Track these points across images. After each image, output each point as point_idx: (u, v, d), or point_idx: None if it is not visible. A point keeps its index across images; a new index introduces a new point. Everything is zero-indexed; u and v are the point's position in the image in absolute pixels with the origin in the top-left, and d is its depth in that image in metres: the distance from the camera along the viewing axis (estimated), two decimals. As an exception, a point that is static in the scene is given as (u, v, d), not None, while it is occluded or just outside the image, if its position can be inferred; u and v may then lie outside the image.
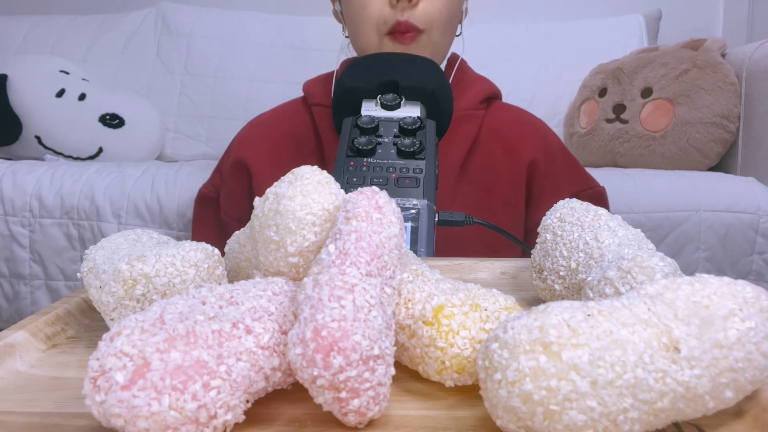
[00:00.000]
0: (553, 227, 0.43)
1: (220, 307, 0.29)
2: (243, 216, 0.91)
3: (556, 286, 0.42)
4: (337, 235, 0.31)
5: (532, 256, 0.45)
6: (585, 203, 0.44)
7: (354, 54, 0.95)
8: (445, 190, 0.83)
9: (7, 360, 0.35)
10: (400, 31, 0.83)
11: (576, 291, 0.40)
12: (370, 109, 0.75)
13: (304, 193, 0.34)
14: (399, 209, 0.34)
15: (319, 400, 0.27)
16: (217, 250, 0.38)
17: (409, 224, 0.64)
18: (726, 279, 0.28)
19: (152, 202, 1.15)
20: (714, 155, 1.36)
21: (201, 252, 0.36)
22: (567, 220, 0.43)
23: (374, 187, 0.34)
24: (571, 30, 1.75)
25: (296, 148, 0.91)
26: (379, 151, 0.69)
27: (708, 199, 1.12)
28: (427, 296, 0.32)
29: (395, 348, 0.32)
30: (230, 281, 0.42)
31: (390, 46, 0.85)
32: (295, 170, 0.36)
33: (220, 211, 0.94)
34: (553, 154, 0.90)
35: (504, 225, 0.85)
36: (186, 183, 1.16)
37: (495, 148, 0.88)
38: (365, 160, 0.68)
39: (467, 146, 0.87)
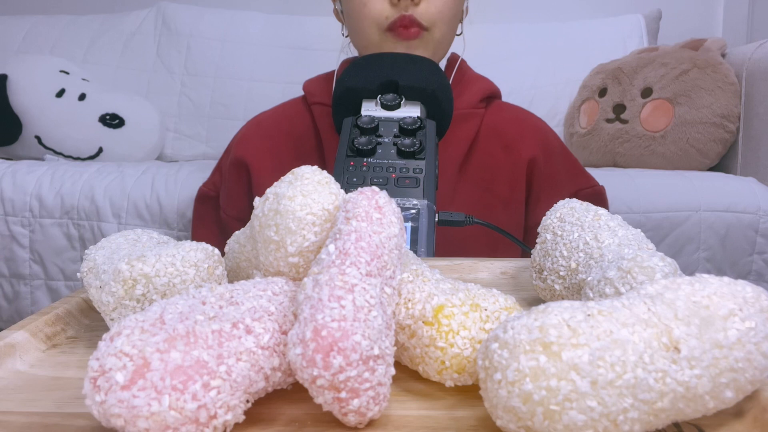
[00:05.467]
0: (553, 227, 0.43)
1: (220, 307, 0.29)
2: (242, 215, 0.91)
3: (556, 286, 0.42)
4: (337, 235, 0.31)
5: (532, 256, 0.45)
6: (585, 203, 0.44)
7: (354, 53, 0.95)
8: (445, 188, 0.84)
9: (7, 360, 0.35)
10: (403, 25, 0.83)
11: (576, 291, 0.40)
12: (370, 109, 0.75)
13: (304, 193, 0.34)
14: (399, 209, 0.34)
15: (319, 400, 0.27)
16: (217, 250, 0.38)
17: (409, 224, 0.64)
18: (726, 279, 0.28)
19: (152, 202, 1.15)
20: (714, 155, 1.36)
21: (201, 252, 0.36)
22: (567, 220, 0.43)
23: (374, 187, 0.34)
24: (571, 30, 1.75)
25: (296, 146, 0.91)
26: (379, 151, 0.69)
27: (708, 199, 1.12)
28: (427, 296, 0.32)
29: (395, 348, 0.32)
30: (230, 281, 0.42)
31: (391, 42, 0.85)
32: (295, 170, 0.36)
33: (219, 210, 0.94)
34: (552, 153, 0.90)
35: (504, 223, 0.85)
36: (186, 183, 1.16)
37: (495, 146, 0.88)
38: (365, 160, 0.68)
39: (467, 145, 0.87)
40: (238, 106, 1.75)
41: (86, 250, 0.41)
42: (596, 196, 0.92)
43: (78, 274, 0.40)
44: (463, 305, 0.32)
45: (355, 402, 0.26)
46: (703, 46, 1.42)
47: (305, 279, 0.29)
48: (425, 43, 0.85)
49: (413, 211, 0.64)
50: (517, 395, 0.24)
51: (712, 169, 1.39)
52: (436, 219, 0.67)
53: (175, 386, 0.25)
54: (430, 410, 0.30)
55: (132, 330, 0.27)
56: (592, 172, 0.97)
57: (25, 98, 1.49)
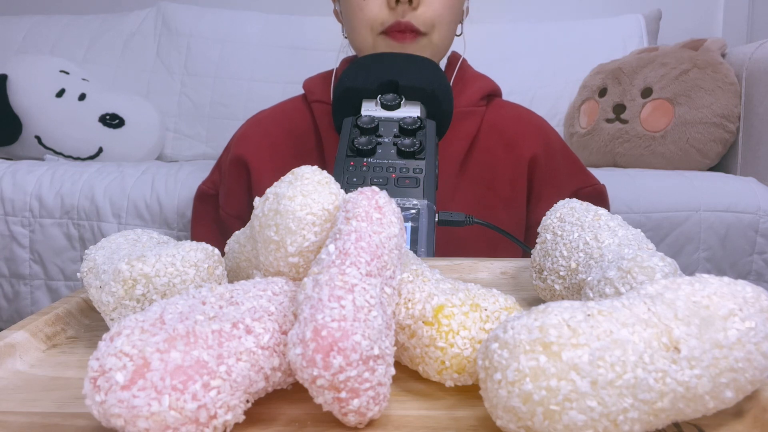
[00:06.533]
0: (553, 227, 0.43)
1: (220, 307, 0.29)
2: (242, 213, 0.91)
3: (556, 286, 0.42)
4: (337, 235, 0.31)
5: (532, 256, 0.45)
6: (585, 203, 0.44)
7: (354, 53, 0.95)
8: (446, 187, 0.83)
9: (7, 360, 0.35)
10: (399, 30, 0.83)
11: (576, 291, 0.40)
12: (370, 109, 0.75)
13: (304, 193, 0.34)
14: (399, 209, 0.34)
15: (319, 400, 0.27)
16: (217, 250, 0.38)
17: (409, 224, 0.64)
18: (726, 279, 0.28)
19: (152, 202, 1.15)
20: (714, 155, 1.36)
21: (201, 252, 0.36)
22: (567, 220, 0.43)
23: (374, 187, 0.34)
24: (571, 30, 1.75)
25: (296, 145, 0.90)
26: (379, 151, 0.69)
27: (708, 199, 1.12)
28: (427, 296, 0.32)
29: (395, 348, 0.32)
30: (230, 281, 0.42)
31: (385, 45, 0.84)
32: (295, 170, 0.36)
33: (219, 209, 0.94)
34: (553, 151, 0.90)
35: (505, 222, 0.85)
36: (186, 183, 1.16)
37: (495, 144, 0.88)
38: (365, 160, 0.68)
39: (467, 143, 0.87)
40: (238, 106, 1.75)
41: (86, 250, 0.41)
42: (597, 195, 0.92)
43: (78, 274, 0.40)
44: (463, 305, 0.32)
45: (355, 402, 0.26)
46: (703, 46, 1.42)
47: (305, 279, 0.29)
48: (422, 47, 0.85)
49: (413, 211, 0.64)
50: (517, 395, 0.24)
51: (712, 169, 1.39)
52: (436, 219, 0.67)
53: (175, 386, 0.25)
54: (430, 410, 0.30)
55: (132, 330, 0.27)
56: (592, 172, 0.97)
57: (25, 98, 1.49)
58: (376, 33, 0.84)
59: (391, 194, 0.62)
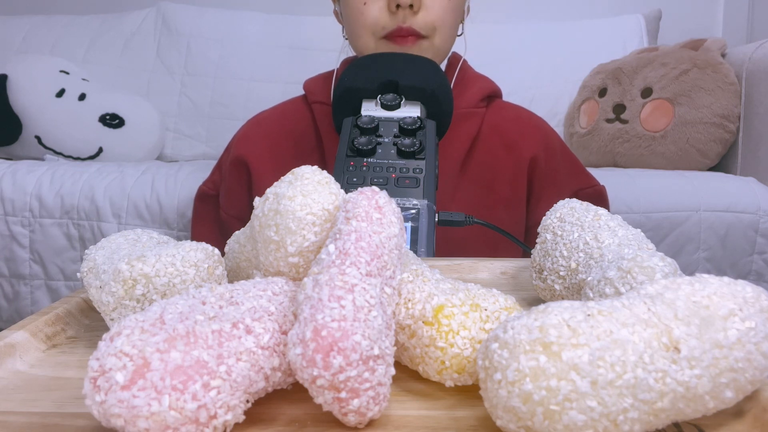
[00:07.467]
0: (553, 227, 0.43)
1: (220, 307, 0.29)
2: (242, 214, 0.91)
3: (556, 286, 0.42)
4: (337, 235, 0.31)
5: (532, 256, 0.45)
6: (585, 203, 0.44)
7: (354, 54, 0.95)
8: (446, 187, 0.83)
9: (7, 360, 0.35)
10: (400, 35, 0.83)
11: (576, 291, 0.40)
12: (370, 109, 0.75)
13: (304, 193, 0.34)
14: (399, 209, 0.34)
15: (319, 400, 0.27)
16: (217, 250, 0.38)
17: (409, 224, 0.64)
18: (726, 279, 0.28)
19: (152, 202, 1.15)
20: (714, 155, 1.36)
21: (201, 252, 0.36)
22: (567, 220, 0.43)
23: (374, 187, 0.34)
24: (571, 30, 1.75)
25: (296, 145, 0.91)
26: (379, 151, 0.69)
27: (708, 199, 1.12)
28: (427, 296, 0.32)
29: (395, 348, 0.32)
30: (230, 281, 0.42)
31: (386, 49, 0.84)
32: (295, 170, 0.36)
33: (219, 209, 0.94)
34: (553, 152, 0.90)
35: (505, 223, 0.85)
36: (186, 183, 1.16)
37: (496, 145, 0.88)
38: (365, 160, 0.68)
39: (468, 144, 0.87)
40: (238, 106, 1.75)
41: (86, 250, 0.41)
42: (597, 196, 0.92)
43: (78, 274, 0.40)
44: (463, 305, 0.32)
45: (355, 402, 0.26)
46: (703, 46, 1.42)
47: (305, 279, 0.29)
48: (424, 49, 0.85)
49: (413, 211, 0.64)
50: (517, 395, 0.24)
51: (712, 169, 1.39)
52: (436, 219, 0.67)
53: (175, 386, 0.25)
54: (430, 410, 0.30)
55: (132, 330, 0.27)
56: (592, 172, 0.98)
57: (25, 98, 1.49)
58: (377, 38, 0.84)
59: (391, 194, 0.62)
